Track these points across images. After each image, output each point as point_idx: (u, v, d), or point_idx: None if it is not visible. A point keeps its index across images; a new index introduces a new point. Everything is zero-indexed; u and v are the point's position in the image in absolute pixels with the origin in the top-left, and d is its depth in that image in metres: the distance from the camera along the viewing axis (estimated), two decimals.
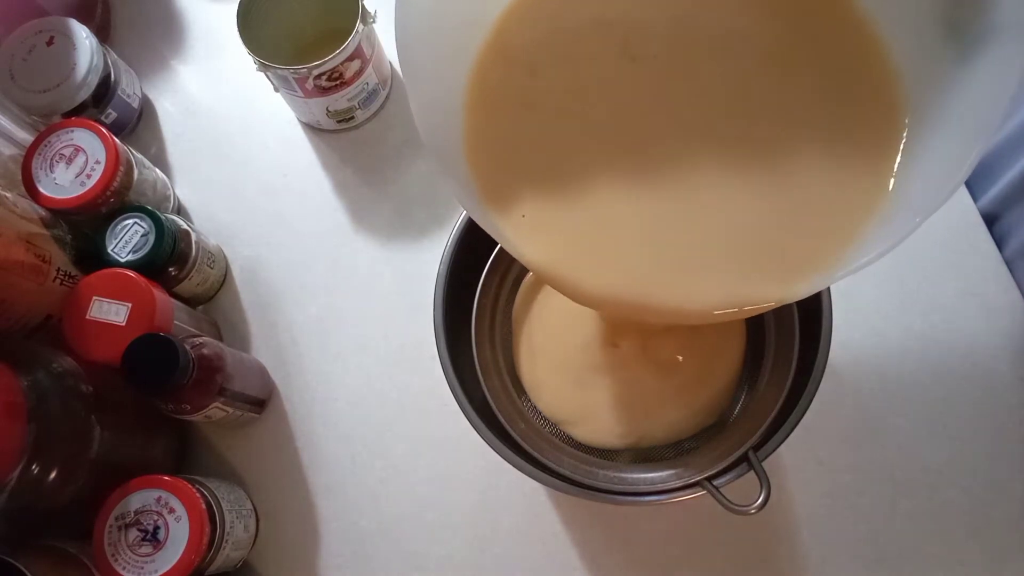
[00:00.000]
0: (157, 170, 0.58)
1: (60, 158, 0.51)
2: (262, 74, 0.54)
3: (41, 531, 0.45)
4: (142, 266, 0.50)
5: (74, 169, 0.51)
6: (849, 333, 0.52)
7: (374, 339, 0.56)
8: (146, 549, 0.43)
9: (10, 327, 0.46)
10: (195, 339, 0.48)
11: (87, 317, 0.47)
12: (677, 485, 0.40)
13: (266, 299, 0.58)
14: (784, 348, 0.42)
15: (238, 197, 0.61)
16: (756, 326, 0.45)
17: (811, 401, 0.39)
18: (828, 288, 0.41)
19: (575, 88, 0.35)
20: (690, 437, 0.45)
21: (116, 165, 0.51)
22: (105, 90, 0.58)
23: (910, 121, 0.31)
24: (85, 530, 0.44)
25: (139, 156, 0.56)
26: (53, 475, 0.42)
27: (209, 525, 0.45)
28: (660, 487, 0.40)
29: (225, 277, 0.59)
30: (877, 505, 0.49)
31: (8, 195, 0.47)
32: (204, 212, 0.61)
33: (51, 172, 0.51)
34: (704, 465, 0.40)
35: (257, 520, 0.52)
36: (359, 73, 0.55)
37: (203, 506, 0.44)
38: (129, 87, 0.61)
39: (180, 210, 0.61)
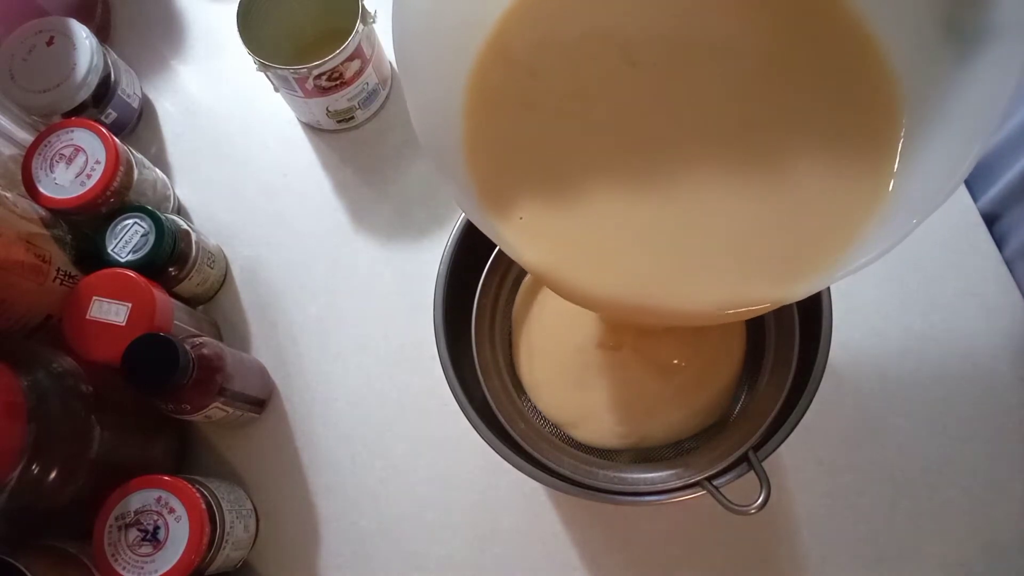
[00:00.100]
0: (157, 170, 0.58)
1: (60, 158, 0.51)
2: (262, 74, 0.54)
3: (41, 531, 0.45)
4: (142, 266, 0.50)
5: (74, 169, 0.51)
6: (849, 333, 0.52)
7: (374, 339, 0.56)
8: (146, 549, 0.43)
9: (10, 327, 0.46)
10: (195, 339, 0.48)
11: (87, 317, 0.47)
12: (677, 485, 0.40)
13: (266, 299, 0.58)
14: (784, 348, 0.42)
15: (238, 197, 0.61)
16: (756, 326, 0.45)
17: (811, 401, 0.39)
18: (828, 288, 0.41)
19: (576, 91, 0.35)
20: (690, 437, 0.45)
21: (116, 165, 0.51)
22: (105, 90, 0.58)
23: (908, 122, 0.31)
24: (85, 530, 0.44)
25: (139, 156, 0.56)
26: (53, 475, 0.42)
27: (209, 525, 0.45)
28: (660, 487, 0.40)
29: (225, 277, 0.59)
30: (877, 505, 0.49)
31: (8, 195, 0.47)
32: (204, 212, 0.61)
33: (51, 172, 0.51)
34: (704, 465, 0.40)
35: (257, 520, 0.52)
36: (359, 73, 0.55)
37: (203, 506, 0.44)
38: (129, 87, 0.61)
39: (180, 210, 0.61)
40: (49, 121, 0.55)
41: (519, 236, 0.33)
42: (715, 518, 0.49)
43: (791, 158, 0.33)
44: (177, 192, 0.61)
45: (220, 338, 0.57)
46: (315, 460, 0.54)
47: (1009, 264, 0.52)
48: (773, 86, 0.34)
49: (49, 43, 0.56)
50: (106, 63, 0.58)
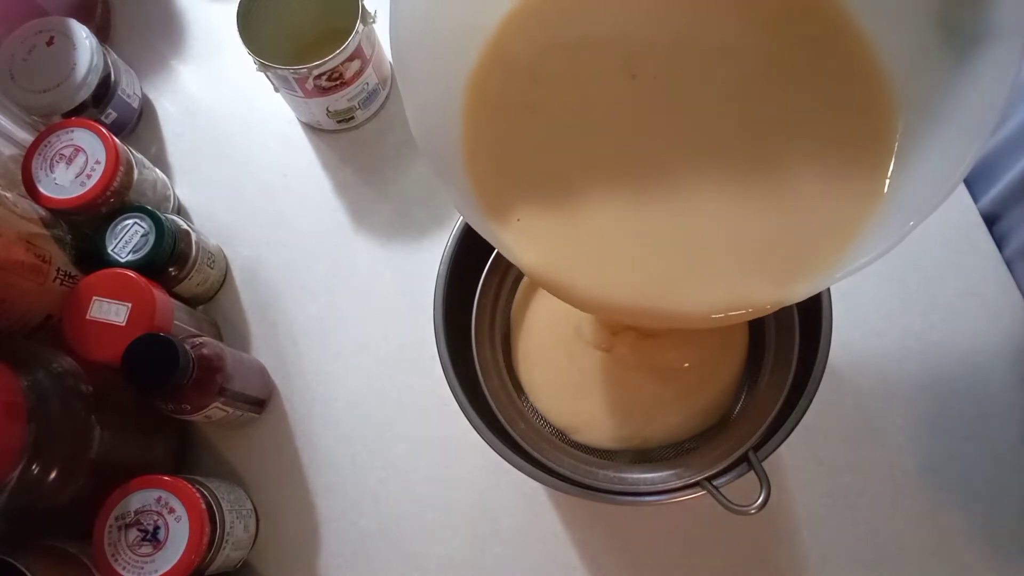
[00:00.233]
0: (157, 170, 0.58)
1: (60, 158, 0.51)
2: (262, 74, 0.54)
3: (41, 531, 0.45)
4: (142, 266, 0.50)
5: (74, 169, 0.51)
6: (849, 333, 0.52)
7: (374, 339, 0.56)
8: (146, 549, 0.43)
9: (10, 327, 0.46)
10: (195, 339, 0.48)
11: (87, 317, 0.47)
12: (677, 485, 0.40)
13: (266, 299, 0.58)
14: (784, 348, 0.42)
15: (238, 197, 0.61)
16: (756, 326, 0.45)
17: (811, 401, 0.39)
18: (828, 288, 0.41)
19: (577, 97, 0.35)
20: (690, 437, 0.45)
21: (116, 165, 0.51)
22: (105, 90, 0.58)
23: (906, 122, 0.31)
24: (85, 530, 0.44)
25: (139, 156, 0.56)
26: (53, 475, 0.42)
27: (209, 525, 0.45)
28: (660, 487, 0.40)
29: (225, 277, 0.59)
30: (877, 505, 0.49)
31: (8, 195, 0.47)
32: (204, 212, 0.61)
33: (51, 172, 0.51)
34: (704, 465, 0.40)
35: (257, 520, 0.52)
36: (359, 73, 0.55)
37: (203, 506, 0.44)
38: (129, 87, 0.61)
39: (180, 210, 0.61)
40: (49, 121, 0.55)
41: (517, 238, 0.33)
42: (715, 518, 0.49)
43: (789, 161, 0.33)
44: (177, 192, 0.61)
45: (220, 338, 0.57)
46: (315, 460, 0.54)
47: (1009, 264, 0.52)
48: (771, 90, 0.34)
49: (49, 43, 0.56)
50: (106, 63, 0.58)
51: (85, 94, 0.56)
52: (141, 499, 0.44)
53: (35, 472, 0.41)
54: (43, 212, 0.50)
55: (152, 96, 0.64)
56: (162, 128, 0.63)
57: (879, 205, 0.31)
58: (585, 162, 0.34)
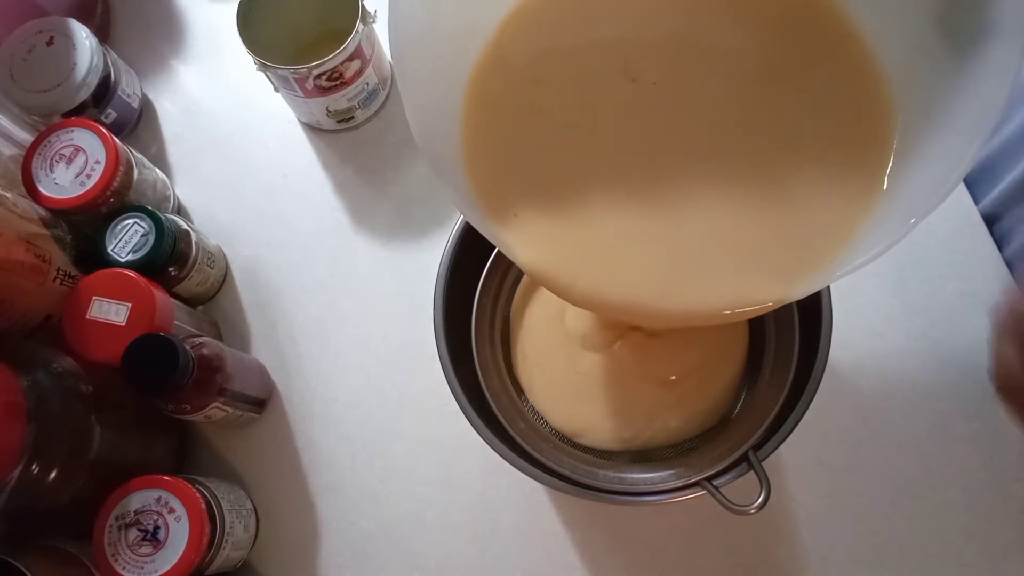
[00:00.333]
0: (157, 170, 0.58)
1: (60, 158, 0.51)
2: (262, 74, 0.54)
3: (41, 531, 0.45)
4: (142, 266, 0.50)
5: (74, 169, 0.51)
6: (849, 333, 0.52)
7: (374, 339, 0.56)
8: (146, 549, 0.43)
9: (10, 327, 0.46)
10: (195, 339, 0.48)
11: (87, 317, 0.47)
12: (677, 485, 0.40)
13: (266, 299, 0.58)
14: (784, 348, 0.42)
15: (238, 197, 0.61)
16: (756, 327, 0.45)
17: (811, 401, 0.39)
18: (828, 288, 0.41)
19: (578, 98, 0.35)
20: (690, 437, 0.45)
21: (116, 165, 0.51)
22: (105, 90, 0.58)
23: (905, 122, 0.31)
24: (85, 530, 0.44)
25: (139, 156, 0.56)
26: (53, 475, 0.42)
27: (209, 525, 0.45)
28: (660, 487, 0.40)
29: (225, 277, 0.59)
30: (877, 505, 0.49)
31: (8, 195, 0.47)
32: (204, 212, 0.61)
33: (51, 172, 0.51)
34: (704, 465, 0.40)
35: (257, 520, 0.52)
36: (359, 73, 0.55)
37: (203, 506, 0.44)
38: (129, 87, 0.61)
39: (180, 210, 0.61)
40: (49, 121, 0.55)
41: (518, 237, 0.33)
42: (715, 518, 0.49)
43: (789, 160, 0.33)
44: (177, 192, 0.61)
45: (220, 338, 0.57)
46: (315, 460, 0.54)
47: (1009, 264, 0.52)
48: (770, 91, 0.34)
49: (49, 43, 0.56)
50: (106, 63, 0.58)
51: (85, 94, 0.56)
52: (141, 499, 0.44)
53: (35, 472, 0.41)
54: (43, 212, 0.50)
55: (152, 96, 0.64)
56: (162, 128, 0.63)
57: (879, 203, 0.31)
58: (586, 162, 0.34)
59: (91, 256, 0.51)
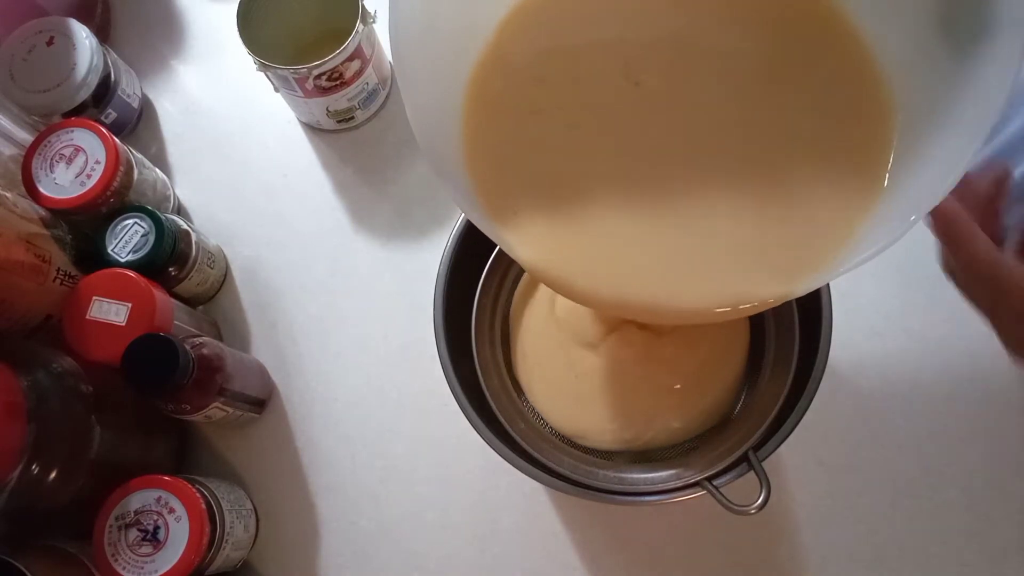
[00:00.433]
0: (157, 170, 0.58)
1: (60, 158, 0.51)
2: (262, 74, 0.54)
3: (41, 531, 0.45)
4: (142, 266, 0.50)
5: (74, 169, 0.51)
6: (849, 333, 0.52)
7: (374, 339, 0.56)
8: (146, 549, 0.43)
9: (10, 327, 0.46)
10: (195, 339, 0.48)
11: (87, 317, 0.47)
12: (677, 485, 0.40)
13: (266, 299, 0.58)
14: (784, 348, 0.42)
15: (238, 197, 0.61)
16: (756, 327, 0.45)
17: (811, 401, 0.39)
18: (828, 288, 0.41)
19: (578, 98, 0.35)
20: (690, 438, 0.45)
21: (116, 165, 0.51)
22: (105, 90, 0.58)
23: (905, 120, 0.31)
24: (85, 530, 0.44)
25: (139, 156, 0.56)
26: (53, 475, 0.42)
27: (209, 525, 0.45)
28: (660, 487, 0.40)
29: (225, 277, 0.59)
30: (877, 505, 0.49)
31: (8, 195, 0.47)
32: (204, 212, 0.61)
33: (51, 172, 0.51)
34: (704, 465, 0.40)
35: (257, 520, 0.52)
36: (359, 73, 0.55)
37: (203, 506, 0.44)
38: (129, 87, 0.61)
39: (180, 210, 0.61)
40: (49, 121, 0.55)
41: (519, 235, 0.33)
42: (715, 518, 0.49)
43: (789, 160, 0.33)
44: (177, 192, 0.61)
45: (220, 338, 0.57)
46: (315, 460, 0.54)
47: None
48: (770, 90, 0.34)
49: (49, 43, 0.56)
50: (106, 63, 0.58)
51: (85, 94, 0.56)
52: (141, 499, 0.44)
53: (35, 472, 0.41)
54: (43, 212, 0.50)
55: (152, 96, 0.64)
56: (162, 128, 0.63)
57: (880, 201, 0.31)
58: (587, 162, 0.34)
59: (91, 256, 0.51)
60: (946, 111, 0.29)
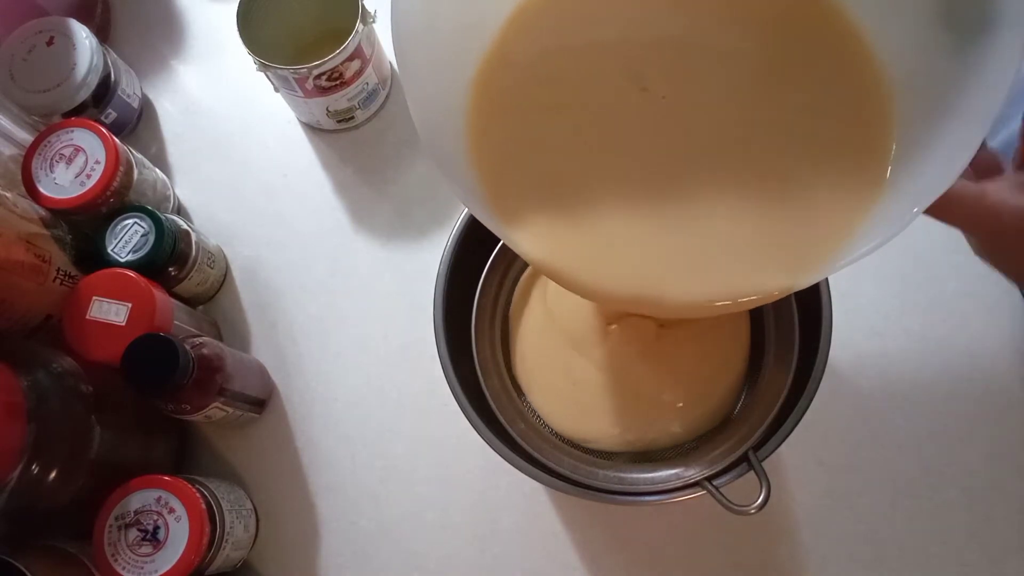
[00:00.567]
0: (157, 170, 0.58)
1: (60, 158, 0.51)
2: (262, 74, 0.54)
3: (41, 531, 0.45)
4: (142, 266, 0.50)
5: (74, 169, 0.51)
6: (849, 333, 0.52)
7: (374, 339, 0.56)
8: (146, 549, 0.43)
9: (10, 327, 0.46)
10: (195, 339, 0.48)
11: (87, 317, 0.47)
12: (677, 485, 0.40)
13: (266, 299, 0.58)
14: (784, 348, 0.42)
15: (238, 197, 0.61)
16: (756, 326, 0.45)
17: (811, 401, 0.39)
18: (828, 288, 0.41)
19: (582, 97, 0.35)
20: (691, 438, 0.45)
21: (116, 165, 0.51)
22: (105, 90, 0.58)
23: (907, 114, 0.32)
24: (85, 530, 0.44)
25: (139, 156, 0.56)
26: (53, 475, 0.42)
27: (209, 525, 0.45)
28: (660, 487, 0.40)
29: (225, 277, 0.59)
30: (877, 505, 0.49)
31: (8, 195, 0.47)
32: (204, 212, 0.61)
33: (51, 172, 0.51)
34: (704, 465, 0.40)
35: (257, 520, 0.52)
36: (359, 73, 0.55)
37: (203, 506, 0.44)
38: (129, 87, 0.61)
39: (180, 210, 0.61)
40: (49, 121, 0.55)
41: (524, 231, 0.33)
42: (715, 518, 0.49)
43: (791, 156, 0.33)
44: (177, 192, 0.61)
45: (220, 338, 0.57)
46: (315, 460, 0.54)
47: None
48: (771, 88, 0.34)
49: (49, 43, 0.56)
50: (106, 63, 0.58)
51: (85, 94, 0.56)
52: (141, 499, 0.44)
53: (35, 472, 0.41)
54: (43, 212, 0.50)
55: (152, 96, 0.64)
56: (162, 128, 0.63)
57: (881, 195, 0.31)
58: (591, 160, 0.34)
59: (91, 256, 0.51)
60: (947, 105, 0.29)
